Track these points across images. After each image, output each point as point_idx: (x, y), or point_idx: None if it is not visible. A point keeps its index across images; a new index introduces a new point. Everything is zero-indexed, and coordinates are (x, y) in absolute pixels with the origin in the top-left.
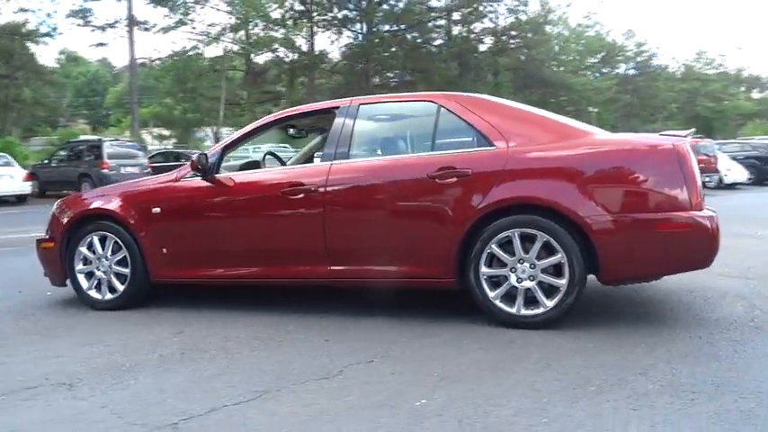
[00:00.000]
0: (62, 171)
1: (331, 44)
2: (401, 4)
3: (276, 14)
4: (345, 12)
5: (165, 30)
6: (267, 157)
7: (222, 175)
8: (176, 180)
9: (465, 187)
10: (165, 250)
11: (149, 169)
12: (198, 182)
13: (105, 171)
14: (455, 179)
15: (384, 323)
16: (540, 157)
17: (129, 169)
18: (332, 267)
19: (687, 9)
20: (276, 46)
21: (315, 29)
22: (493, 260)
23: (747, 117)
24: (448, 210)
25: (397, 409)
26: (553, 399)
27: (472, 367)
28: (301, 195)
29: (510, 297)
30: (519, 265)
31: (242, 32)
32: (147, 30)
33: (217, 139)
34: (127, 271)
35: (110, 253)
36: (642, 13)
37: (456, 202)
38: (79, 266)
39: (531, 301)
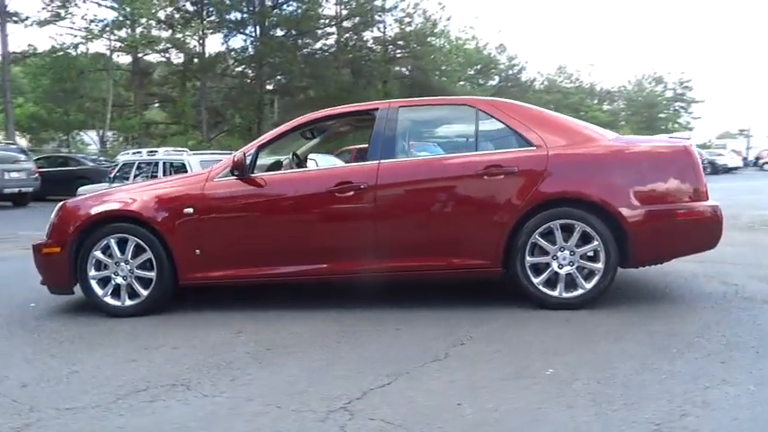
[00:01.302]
0: None
1: (221, 45)
2: (292, 8)
3: (166, 14)
4: (238, 14)
5: (41, 23)
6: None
7: (258, 175)
8: (209, 179)
9: (512, 183)
10: (198, 251)
11: (37, 175)
12: (234, 181)
13: None
14: (502, 176)
15: (436, 312)
16: (577, 155)
17: (14, 174)
18: (383, 262)
19: (550, 25)
20: (165, 46)
21: (206, 31)
22: (535, 249)
23: (601, 127)
24: (497, 204)
25: (534, 379)
26: (652, 361)
27: (562, 342)
28: (351, 193)
29: (550, 282)
30: (560, 253)
31: (126, 30)
32: (17, 22)
33: (103, 143)
34: (151, 275)
35: (130, 256)
36: (512, 28)
37: (504, 197)
38: (92, 272)
39: (570, 284)
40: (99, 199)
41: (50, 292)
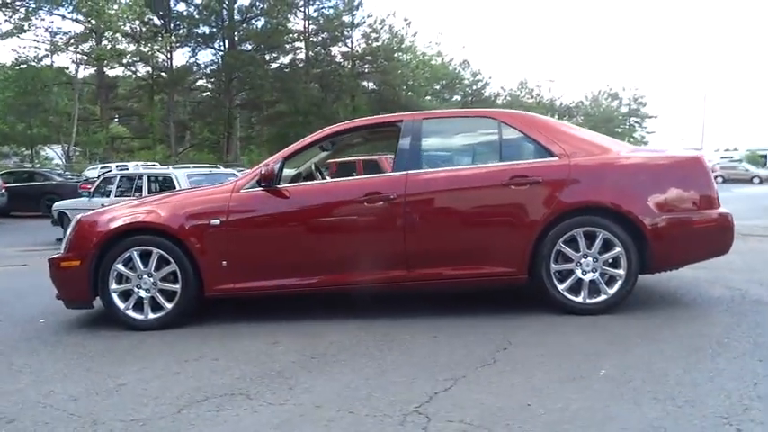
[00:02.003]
0: None
1: (188, 60)
2: (260, 23)
3: (132, 27)
4: (206, 28)
5: (3, 36)
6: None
7: (285, 186)
8: (235, 190)
9: (536, 193)
10: (225, 263)
11: (4, 190)
12: (261, 192)
13: None
14: (528, 186)
15: (466, 320)
16: (598, 165)
17: None
18: (411, 271)
19: (511, 41)
20: (131, 59)
21: (173, 45)
22: (559, 256)
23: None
24: (523, 213)
25: (590, 380)
26: (694, 361)
27: (599, 345)
28: (381, 203)
29: (573, 288)
30: (583, 260)
31: (91, 43)
32: None
33: (68, 157)
34: (176, 287)
35: (153, 269)
36: (475, 44)
37: (530, 207)
38: (114, 285)
39: (593, 290)
40: (120, 211)
41: (67, 306)
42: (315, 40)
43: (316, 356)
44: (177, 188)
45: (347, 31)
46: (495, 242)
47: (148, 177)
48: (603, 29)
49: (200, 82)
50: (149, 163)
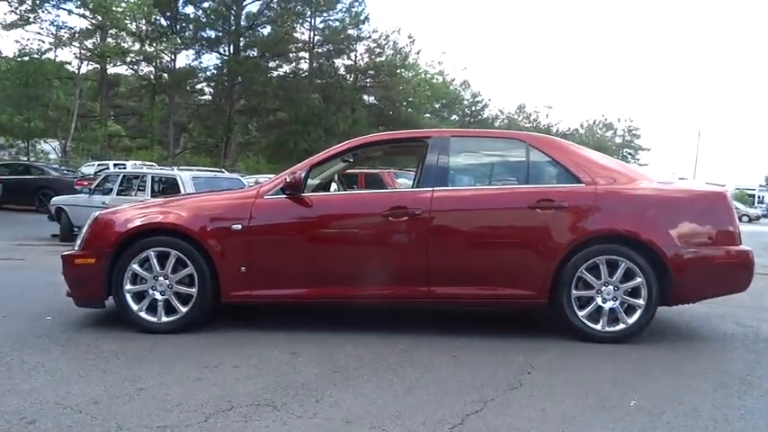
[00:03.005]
0: None
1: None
2: (267, 30)
3: (137, 26)
4: (213, 32)
5: (8, 26)
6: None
7: (310, 195)
8: (259, 196)
9: (561, 218)
10: (243, 269)
11: None
12: (285, 200)
13: None
14: (553, 210)
15: (484, 340)
16: (624, 194)
17: None
18: (432, 289)
19: (512, 66)
20: (135, 58)
21: (178, 46)
22: (580, 283)
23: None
24: (547, 237)
25: (622, 410)
26: (721, 397)
27: (625, 374)
28: (405, 218)
29: (592, 316)
30: (604, 288)
31: (95, 40)
32: None
33: (65, 152)
34: (192, 291)
35: (170, 271)
36: (477, 66)
37: (554, 231)
38: (128, 286)
39: (611, 319)
40: (139, 210)
41: (77, 304)
42: (319, 50)
43: (338, 370)
44: (182, 191)
45: (352, 45)
46: (518, 264)
47: (152, 178)
48: (603, 60)
49: (201, 85)
50: (148, 163)
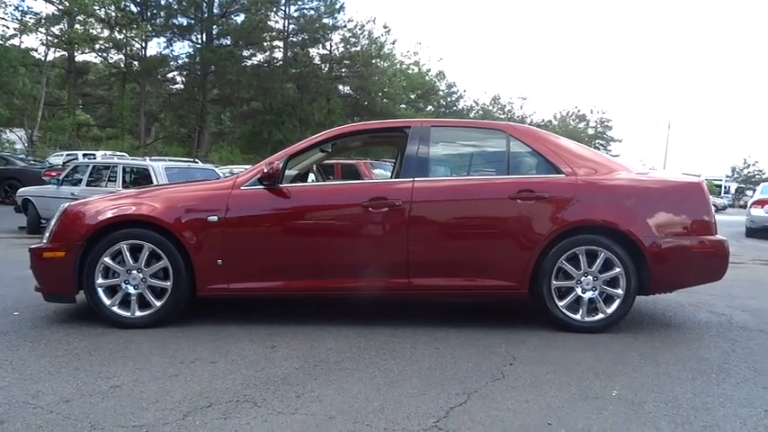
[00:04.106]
0: None
1: (164, 50)
2: (240, 18)
3: (106, 12)
4: (184, 19)
5: None
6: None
7: (287, 186)
8: (235, 187)
9: (542, 208)
10: (220, 261)
11: None
12: (262, 191)
13: None
14: (534, 201)
15: (464, 331)
16: (604, 185)
17: None
18: (412, 280)
19: (487, 57)
20: (104, 45)
21: (149, 34)
22: (560, 273)
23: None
24: (527, 228)
25: (604, 400)
26: (700, 385)
27: (605, 364)
28: (385, 209)
29: (572, 306)
30: (584, 278)
31: (61, 26)
32: None
33: (31, 142)
34: (167, 284)
35: (143, 264)
36: (452, 57)
37: (535, 221)
38: (100, 280)
39: (590, 309)
40: (110, 201)
41: (46, 299)
42: (294, 39)
43: (318, 363)
44: (155, 182)
45: (327, 34)
46: (499, 255)
47: (123, 168)
48: (577, 52)
49: (173, 74)
50: (119, 153)
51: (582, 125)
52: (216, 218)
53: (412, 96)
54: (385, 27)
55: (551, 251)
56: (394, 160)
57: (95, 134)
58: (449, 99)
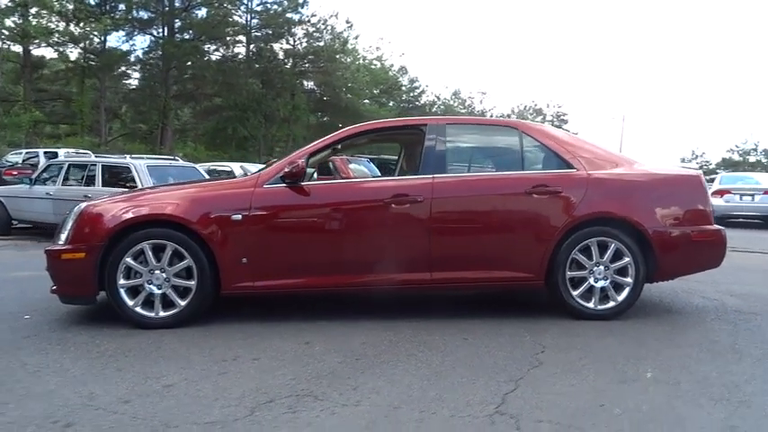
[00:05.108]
0: None
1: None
2: (202, 12)
3: (62, 5)
4: (145, 12)
5: None
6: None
7: (310, 183)
8: (258, 185)
9: (556, 202)
10: (245, 259)
11: None
12: (285, 189)
13: None
14: (548, 195)
15: (487, 322)
16: (613, 179)
17: None
18: (434, 274)
19: (448, 51)
20: (61, 39)
21: (108, 27)
22: (573, 264)
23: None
24: (543, 221)
25: (643, 382)
26: (722, 365)
27: (629, 348)
28: (407, 206)
29: (585, 295)
30: (596, 268)
31: (16, 18)
32: None
33: None
34: (191, 284)
35: (166, 264)
36: (414, 52)
37: (550, 215)
38: (121, 281)
39: (602, 297)
40: (130, 201)
41: (63, 301)
42: (257, 34)
43: (359, 357)
44: (137, 181)
45: (290, 29)
46: (516, 248)
47: (102, 167)
48: (532, 47)
49: (134, 69)
50: (81, 151)
51: (539, 119)
52: (240, 216)
53: (375, 92)
54: (347, 22)
55: (565, 243)
56: (396, 157)
57: (51, 131)
58: (411, 94)
